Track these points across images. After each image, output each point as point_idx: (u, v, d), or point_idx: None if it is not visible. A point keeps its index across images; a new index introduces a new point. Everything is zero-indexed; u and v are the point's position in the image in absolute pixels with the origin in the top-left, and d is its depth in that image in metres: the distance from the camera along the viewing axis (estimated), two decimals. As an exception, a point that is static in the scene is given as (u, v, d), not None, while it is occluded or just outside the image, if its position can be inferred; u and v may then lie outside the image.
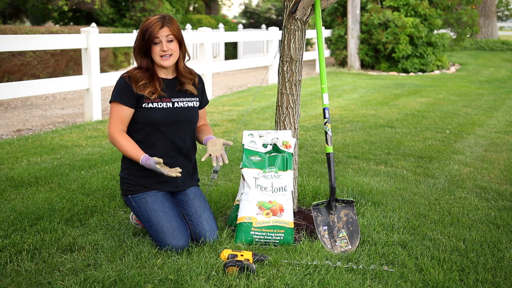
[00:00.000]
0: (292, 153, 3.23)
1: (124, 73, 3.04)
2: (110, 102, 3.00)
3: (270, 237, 3.04)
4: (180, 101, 3.06)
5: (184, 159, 3.11)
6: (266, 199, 3.11)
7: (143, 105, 2.97)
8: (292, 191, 3.20)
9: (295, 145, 3.30)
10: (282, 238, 3.04)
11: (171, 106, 3.02)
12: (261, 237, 3.04)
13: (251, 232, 3.03)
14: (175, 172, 2.86)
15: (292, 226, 3.07)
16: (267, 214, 3.08)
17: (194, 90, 3.11)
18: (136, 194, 3.02)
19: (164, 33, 2.95)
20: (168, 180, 3.05)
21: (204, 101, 3.25)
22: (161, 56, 2.97)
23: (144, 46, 2.98)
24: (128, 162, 3.03)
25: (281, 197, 3.12)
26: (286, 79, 3.38)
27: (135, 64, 3.14)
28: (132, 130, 3.03)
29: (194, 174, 3.23)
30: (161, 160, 2.87)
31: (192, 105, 3.11)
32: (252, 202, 3.10)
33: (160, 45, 2.95)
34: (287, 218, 3.08)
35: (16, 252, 2.85)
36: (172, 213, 2.97)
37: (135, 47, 3.03)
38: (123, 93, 2.96)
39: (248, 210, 3.08)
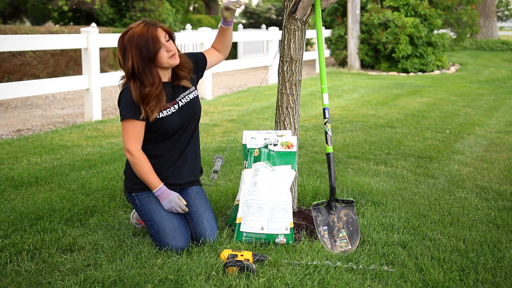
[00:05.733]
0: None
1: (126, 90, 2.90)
2: (122, 120, 2.87)
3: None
4: (183, 98, 3.03)
5: (191, 162, 3.12)
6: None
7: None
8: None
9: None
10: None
11: (177, 107, 2.98)
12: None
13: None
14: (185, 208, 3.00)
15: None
16: None
17: (189, 84, 3.05)
18: (141, 192, 3.01)
19: (162, 34, 2.87)
20: (176, 173, 3.06)
21: (201, 63, 3.20)
22: (169, 57, 2.89)
23: (149, 59, 2.82)
24: None
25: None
26: (286, 79, 3.38)
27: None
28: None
29: (198, 164, 3.21)
30: (184, 202, 2.99)
31: (193, 96, 3.09)
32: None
33: (164, 47, 2.86)
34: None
35: (16, 252, 2.85)
36: (174, 214, 2.98)
37: (133, 66, 2.81)
38: (134, 106, 2.85)
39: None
